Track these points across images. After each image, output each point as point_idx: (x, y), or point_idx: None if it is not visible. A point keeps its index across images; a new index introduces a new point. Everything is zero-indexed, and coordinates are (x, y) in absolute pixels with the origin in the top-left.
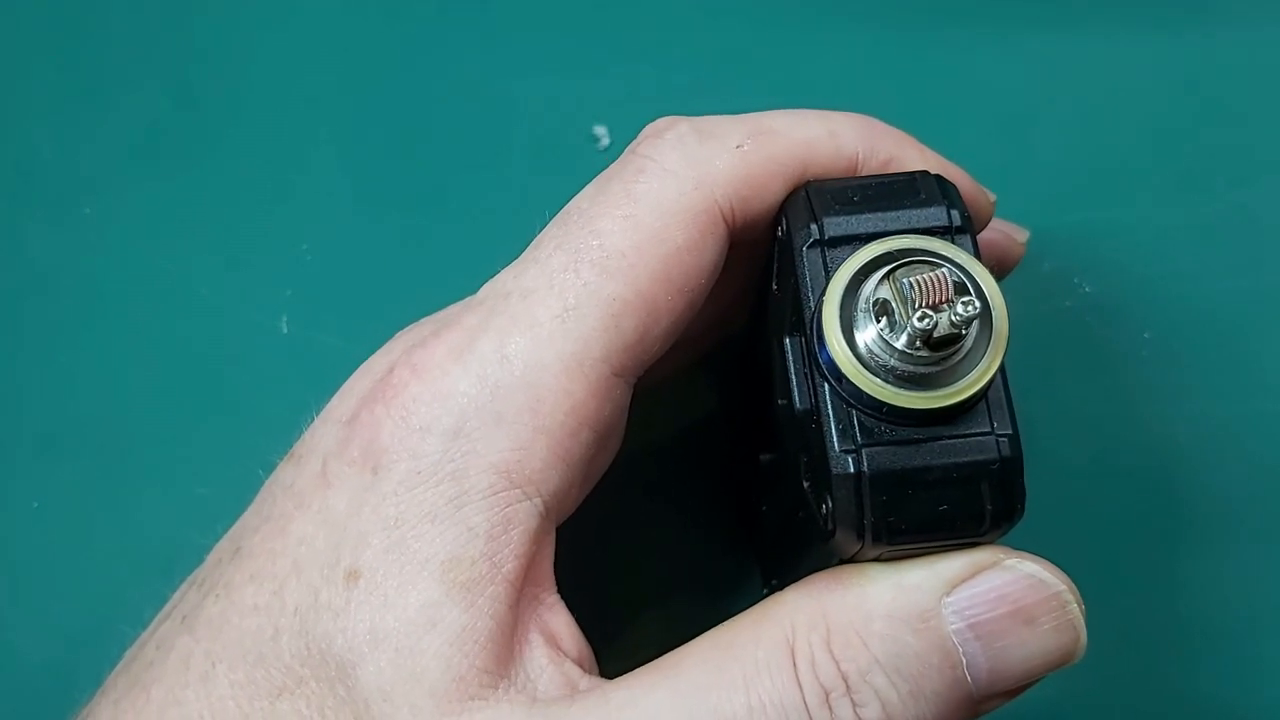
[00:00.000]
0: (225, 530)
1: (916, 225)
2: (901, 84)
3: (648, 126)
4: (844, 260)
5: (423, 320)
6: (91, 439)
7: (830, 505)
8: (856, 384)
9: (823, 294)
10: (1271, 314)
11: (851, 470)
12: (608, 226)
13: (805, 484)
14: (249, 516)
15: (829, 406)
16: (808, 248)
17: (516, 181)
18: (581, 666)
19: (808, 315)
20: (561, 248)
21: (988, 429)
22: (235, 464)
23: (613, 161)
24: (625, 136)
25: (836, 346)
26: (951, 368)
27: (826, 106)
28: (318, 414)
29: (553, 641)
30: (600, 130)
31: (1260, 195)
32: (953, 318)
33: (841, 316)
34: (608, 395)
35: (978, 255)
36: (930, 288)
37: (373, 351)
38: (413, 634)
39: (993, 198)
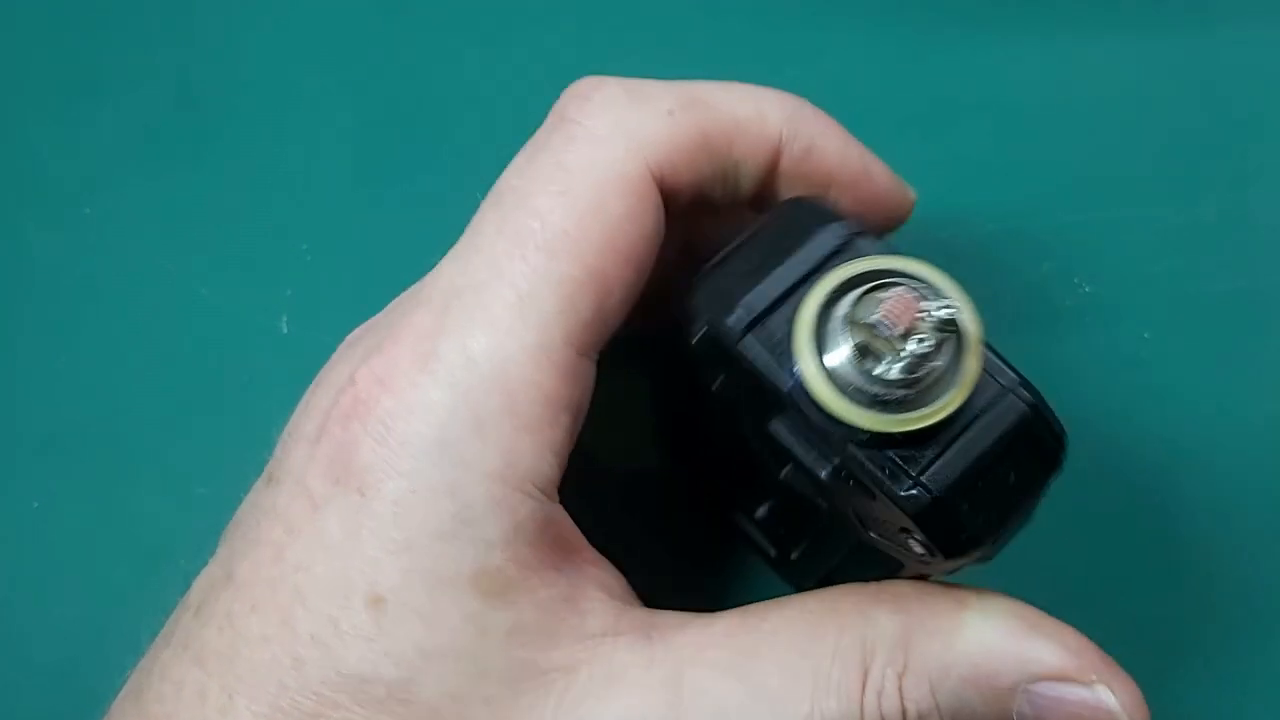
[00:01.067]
0: (220, 532)
1: (825, 254)
2: (901, 84)
3: (572, 85)
4: (793, 321)
5: (368, 324)
6: (91, 439)
7: (925, 539)
8: (851, 422)
9: (795, 364)
10: (1271, 314)
11: (928, 500)
12: (545, 204)
13: (871, 534)
14: (235, 541)
15: (864, 463)
16: (743, 336)
17: None
18: (636, 605)
19: (786, 390)
20: (502, 233)
21: (998, 390)
22: (235, 464)
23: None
24: None
25: (835, 404)
26: (932, 383)
27: (827, 106)
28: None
29: (609, 590)
30: None
31: (1260, 195)
32: (932, 322)
33: (829, 376)
34: (576, 377)
35: (890, 249)
36: (899, 309)
37: None
38: (468, 643)
39: (913, 196)
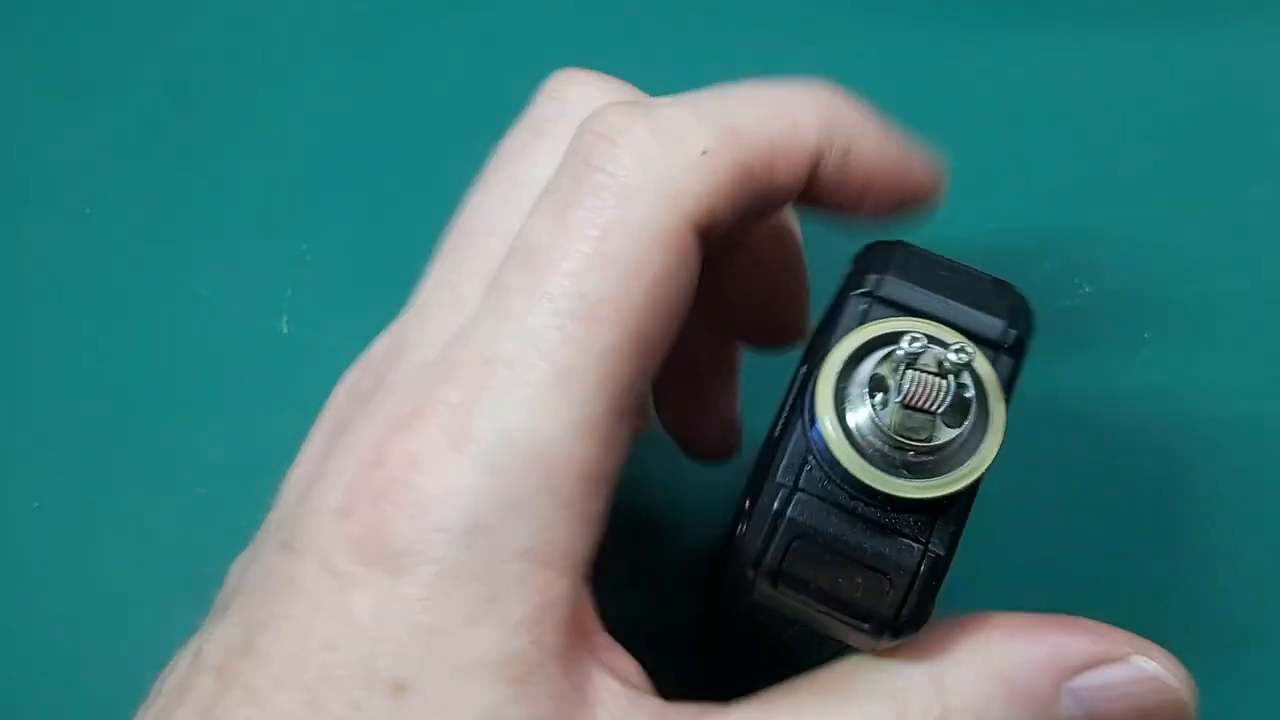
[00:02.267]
0: (219, 532)
1: (968, 326)
2: (901, 83)
3: (593, 118)
4: (853, 330)
5: (374, 369)
6: (91, 439)
7: (744, 528)
8: (836, 456)
9: (816, 423)
10: (1272, 314)
11: (776, 507)
12: (581, 268)
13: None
14: (254, 607)
15: (791, 442)
16: (857, 295)
17: None
18: (651, 693)
19: (817, 357)
20: (535, 300)
21: (924, 540)
22: (235, 464)
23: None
24: None
25: (857, 467)
26: (935, 461)
27: None
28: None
29: (623, 678)
30: None
31: (1260, 195)
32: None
33: (837, 390)
34: (615, 444)
35: (1013, 377)
36: (924, 389)
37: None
38: None
39: (942, 182)
